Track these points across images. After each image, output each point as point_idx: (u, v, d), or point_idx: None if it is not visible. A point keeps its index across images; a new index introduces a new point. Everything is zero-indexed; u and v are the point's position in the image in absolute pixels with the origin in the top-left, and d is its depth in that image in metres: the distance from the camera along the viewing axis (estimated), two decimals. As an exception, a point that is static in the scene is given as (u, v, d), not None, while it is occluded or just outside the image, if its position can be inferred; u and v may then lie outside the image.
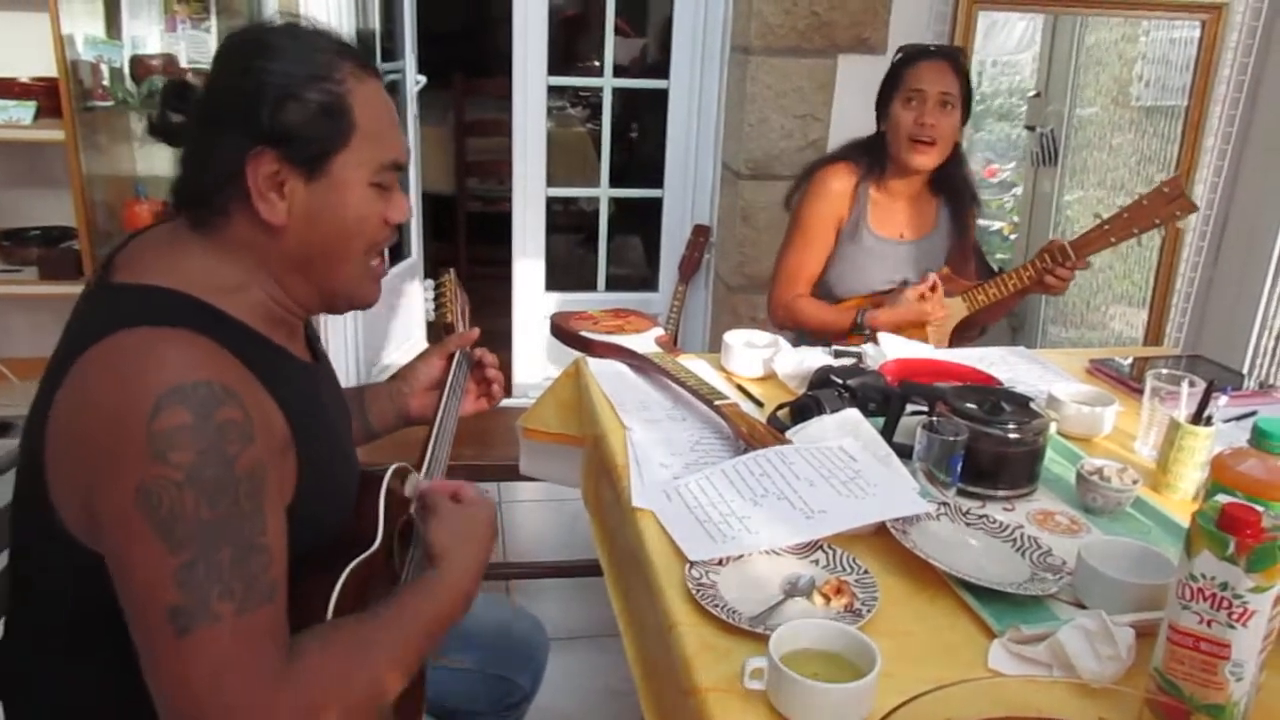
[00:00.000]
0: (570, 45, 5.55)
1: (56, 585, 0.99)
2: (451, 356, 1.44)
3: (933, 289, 2.14)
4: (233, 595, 0.86)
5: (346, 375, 3.33)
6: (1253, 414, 1.67)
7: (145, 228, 1.09)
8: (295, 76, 0.99)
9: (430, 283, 1.56)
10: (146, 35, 3.17)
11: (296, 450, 0.99)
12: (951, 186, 2.30)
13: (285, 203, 1.00)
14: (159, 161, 3.38)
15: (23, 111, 3.02)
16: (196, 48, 3.19)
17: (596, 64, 3.67)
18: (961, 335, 2.32)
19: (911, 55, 2.22)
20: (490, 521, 1.16)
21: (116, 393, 0.87)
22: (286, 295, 1.06)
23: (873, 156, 2.26)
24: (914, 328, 2.15)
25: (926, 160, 2.19)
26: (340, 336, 3.31)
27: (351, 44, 1.06)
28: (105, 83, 3.03)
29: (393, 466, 1.17)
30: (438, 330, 1.54)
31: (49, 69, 2.94)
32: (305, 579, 0.97)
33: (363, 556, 1.06)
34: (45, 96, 3.03)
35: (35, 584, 1.02)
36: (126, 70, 3.10)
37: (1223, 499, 0.91)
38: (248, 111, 0.98)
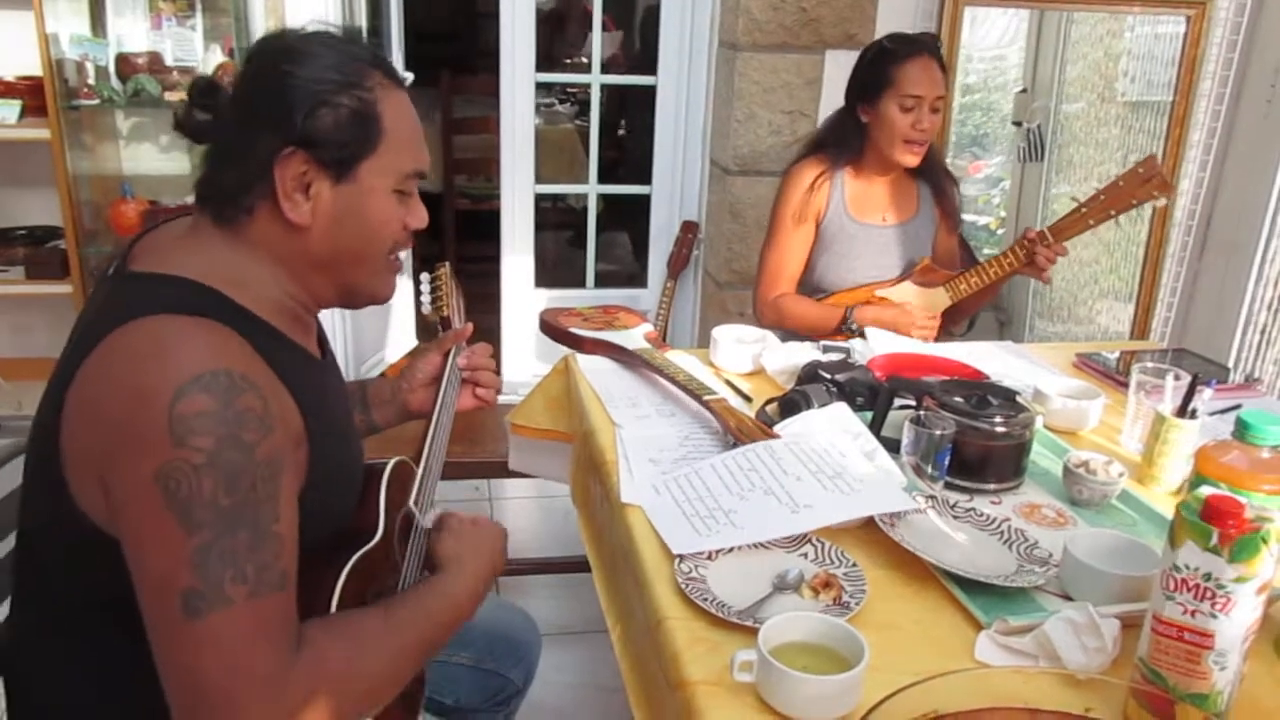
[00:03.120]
0: (558, 42, 5.55)
1: (67, 569, 1.00)
2: (448, 353, 1.44)
3: (931, 318, 2.16)
4: (245, 579, 0.87)
5: (335, 373, 3.32)
6: (1237, 407, 1.68)
7: (162, 220, 1.10)
8: (329, 82, 1.01)
9: (426, 276, 1.55)
10: (131, 33, 3.16)
11: (309, 443, 1.00)
12: (926, 167, 2.30)
13: (310, 204, 1.02)
14: (145, 160, 3.37)
15: (8, 110, 3.01)
16: (182, 45, 3.17)
17: (584, 60, 3.67)
18: (946, 326, 2.33)
19: (901, 53, 2.18)
20: (500, 540, 1.21)
21: (139, 377, 0.88)
22: (304, 291, 1.08)
23: (847, 143, 2.26)
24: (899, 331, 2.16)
25: (918, 159, 2.21)
26: (330, 334, 3.29)
27: (382, 54, 1.08)
28: (91, 81, 3.02)
29: (393, 460, 1.18)
30: (433, 324, 1.53)
31: (34, 67, 2.93)
32: (309, 569, 0.97)
33: (365, 549, 1.08)
34: (30, 95, 3.01)
35: (46, 567, 1.03)
36: (112, 68, 3.08)
37: (1206, 491, 0.92)
38: (281, 113, 0.99)
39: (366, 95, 1.03)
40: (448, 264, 1.57)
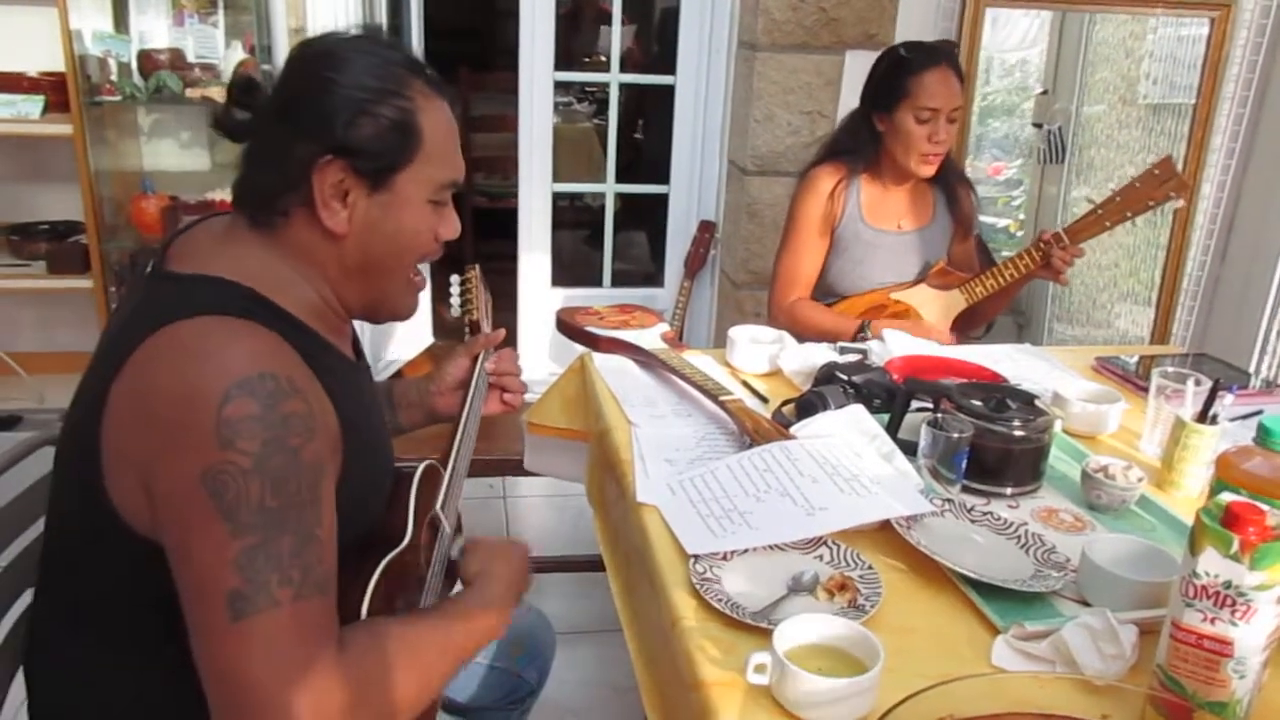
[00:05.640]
0: (577, 40, 5.55)
1: (96, 570, 1.00)
2: (477, 357, 1.45)
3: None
4: (291, 582, 0.88)
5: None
6: (1258, 413, 1.66)
7: (197, 219, 1.11)
8: (369, 90, 1.01)
9: (455, 278, 1.56)
10: (154, 30, 3.19)
11: (344, 447, 1.01)
12: (942, 172, 2.27)
13: (347, 211, 1.03)
14: (166, 156, 3.40)
15: (31, 106, 3.04)
16: (204, 42, 3.20)
17: (603, 59, 3.67)
18: (964, 329, 2.32)
19: (917, 63, 2.14)
20: (524, 559, 1.24)
21: (187, 379, 0.88)
22: (336, 298, 1.09)
23: (863, 150, 2.24)
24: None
25: (934, 169, 2.19)
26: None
27: (421, 61, 1.08)
28: (113, 77, 3.05)
29: (423, 464, 1.19)
30: (461, 327, 1.55)
31: (57, 64, 2.96)
32: (339, 573, 0.97)
33: (395, 552, 1.08)
34: (53, 91, 3.04)
35: (74, 567, 1.03)
36: (134, 65, 3.11)
37: (1227, 497, 0.91)
38: (322, 121, 1.00)
39: (407, 104, 1.03)
40: (477, 267, 1.57)
